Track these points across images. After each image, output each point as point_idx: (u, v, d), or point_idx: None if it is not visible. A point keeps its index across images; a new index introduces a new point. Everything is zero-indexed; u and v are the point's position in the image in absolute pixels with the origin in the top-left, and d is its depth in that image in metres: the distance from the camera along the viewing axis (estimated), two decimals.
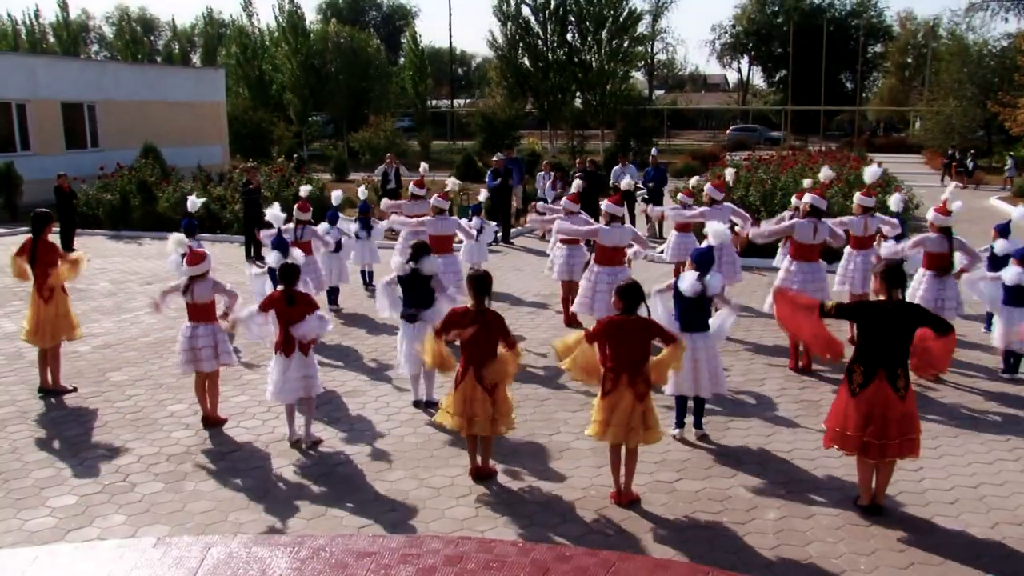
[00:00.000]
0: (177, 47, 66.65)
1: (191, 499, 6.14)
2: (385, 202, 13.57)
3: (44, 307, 8.26)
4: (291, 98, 46.72)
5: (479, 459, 6.39)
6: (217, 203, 19.00)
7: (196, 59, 65.45)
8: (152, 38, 77.22)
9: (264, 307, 6.97)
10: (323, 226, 11.40)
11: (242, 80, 47.77)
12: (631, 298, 5.85)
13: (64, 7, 59.39)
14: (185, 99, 31.49)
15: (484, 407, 6.07)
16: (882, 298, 5.71)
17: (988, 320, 10.01)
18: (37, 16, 60.22)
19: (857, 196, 10.17)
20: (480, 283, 6.18)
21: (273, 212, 9.72)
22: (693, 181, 12.28)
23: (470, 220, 12.54)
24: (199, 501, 6.11)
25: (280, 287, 6.95)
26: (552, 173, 18.53)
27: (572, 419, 7.56)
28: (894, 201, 10.70)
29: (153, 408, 8.00)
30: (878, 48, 69.45)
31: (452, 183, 13.12)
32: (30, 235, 8.40)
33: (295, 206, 10.56)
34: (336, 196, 12.81)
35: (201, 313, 7.35)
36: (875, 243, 9.97)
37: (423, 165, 15.73)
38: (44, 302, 8.26)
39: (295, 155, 29.08)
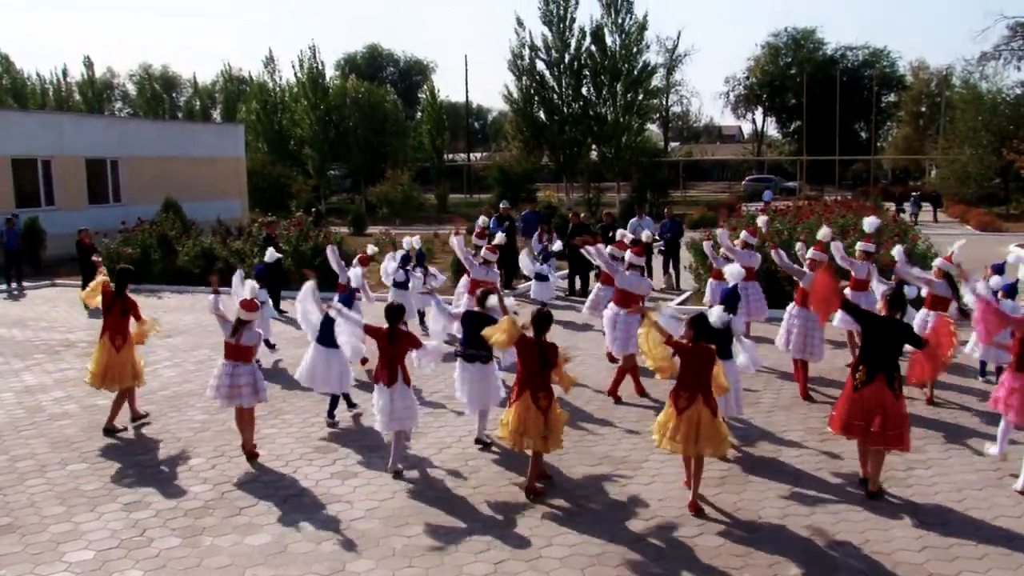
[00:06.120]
0: (198, 103, 67.99)
1: (208, 554, 6.11)
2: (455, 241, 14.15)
3: (114, 354, 8.94)
4: (309, 152, 47.40)
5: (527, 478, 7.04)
6: (236, 256, 19.22)
7: (216, 115, 66.67)
8: (174, 95, 78.90)
9: (368, 330, 7.74)
10: (354, 272, 11.27)
11: (261, 135, 48.62)
12: (700, 328, 6.74)
13: (90, 66, 61.02)
14: (205, 154, 32.02)
15: (537, 424, 6.81)
16: (883, 314, 6.95)
17: (982, 369, 10.60)
18: (65, 75, 61.88)
19: (860, 244, 11.20)
20: (541, 322, 7.02)
21: (355, 272, 10.27)
22: (761, 221, 13.69)
23: (541, 264, 15.04)
24: (216, 556, 6.08)
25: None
26: (540, 226, 18.71)
27: (593, 470, 7.52)
28: (896, 252, 10.52)
29: (171, 462, 8.01)
30: (892, 97, 69.90)
31: (500, 237, 13.42)
32: (111, 284, 9.18)
33: (357, 257, 11.20)
34: (371, 250, 12.88)
35: (243, 353, 7.90)
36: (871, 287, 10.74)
37: (482, 218, 16.44)
38: (116, 350, 8.96)
39: (313, 208, 29.42)
